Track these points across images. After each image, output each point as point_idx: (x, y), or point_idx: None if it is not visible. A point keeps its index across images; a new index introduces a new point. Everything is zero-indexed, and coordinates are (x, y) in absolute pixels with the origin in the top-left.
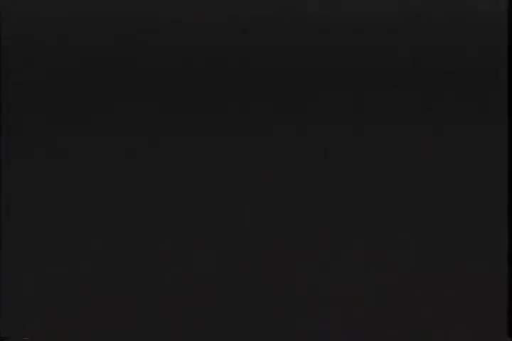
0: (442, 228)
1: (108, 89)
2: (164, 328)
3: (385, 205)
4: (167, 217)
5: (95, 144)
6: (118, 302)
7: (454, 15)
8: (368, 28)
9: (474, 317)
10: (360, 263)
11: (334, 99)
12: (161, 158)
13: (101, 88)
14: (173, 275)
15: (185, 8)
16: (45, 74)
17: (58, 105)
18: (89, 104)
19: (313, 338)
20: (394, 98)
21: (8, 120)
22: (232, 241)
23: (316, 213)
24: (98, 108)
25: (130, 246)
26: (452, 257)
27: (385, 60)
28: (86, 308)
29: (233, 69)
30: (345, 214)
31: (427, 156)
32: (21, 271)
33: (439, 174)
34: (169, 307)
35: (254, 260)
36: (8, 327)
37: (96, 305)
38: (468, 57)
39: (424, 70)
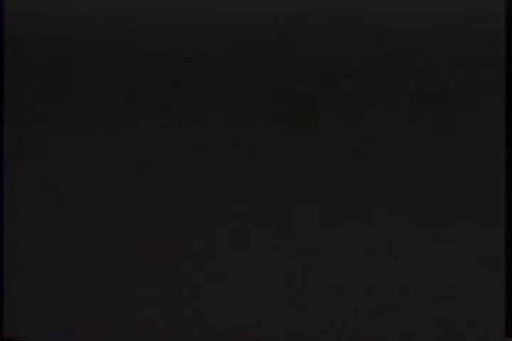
0: (441, 229)
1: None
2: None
3: (387, 206)
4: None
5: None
6: (119, 303)
7: (453, 15)
8: (365, 27)
9: (473, 318)
10: (362, 262)
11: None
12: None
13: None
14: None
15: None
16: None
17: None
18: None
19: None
20: (393, 98)
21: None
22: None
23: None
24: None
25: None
26: (451, 258)
27: (382, 59)
28: (87, 308)
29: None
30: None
31: (426, 156)
32: (24, 272)
33: (437, 174)
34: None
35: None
36: (11, 328)
37: (97, 306)
38: (466, 56)
39: (422, 70)
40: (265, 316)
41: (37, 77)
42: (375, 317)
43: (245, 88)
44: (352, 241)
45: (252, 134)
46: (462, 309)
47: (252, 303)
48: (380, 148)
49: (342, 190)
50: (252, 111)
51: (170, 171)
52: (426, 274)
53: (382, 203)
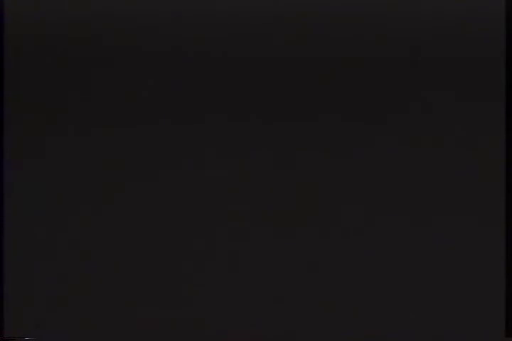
0: (441, 229)
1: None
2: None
3: (387, 206)
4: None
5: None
6: (119, 304)
7: (453, 15)
8: (365, 27)
9: (473, 318)
10: (361, 262)
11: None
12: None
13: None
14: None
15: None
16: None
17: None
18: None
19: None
20: (393, 98)
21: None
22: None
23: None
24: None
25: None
26: (451, 259)
27: (382, 59)
28: (87, 308)
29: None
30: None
31: (426, 155)
32: (24, 272)
33: (437, 174)
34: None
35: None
36: (11, 328)
37: (97, 306)
38: (466, 56)
39: (422, 71)
40: (265, 316)
41: (37, 77)
42: (375, 317)
43: (245, 88)
44: (352, 241)
45: (252, 134)
46: (462, 309)
47: (252, 303)
48: (380, 148)
49: (342, 189)
50: (252, 111)
51: (170, 171)
52: (426, 274)
53: (382, 203)
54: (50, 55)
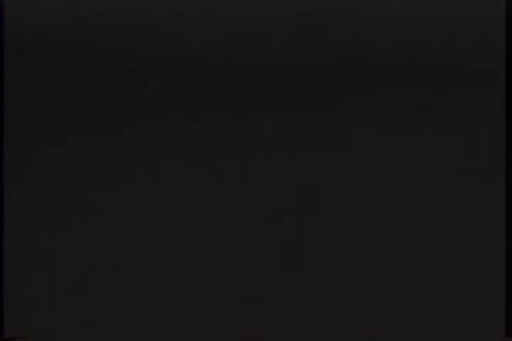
0: (441, 229)
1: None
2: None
3: (387, 206)
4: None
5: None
6: (119, 304)
7: (453, 15)
8: (365, 27)
9: (473, 318)
10: (361, 263)
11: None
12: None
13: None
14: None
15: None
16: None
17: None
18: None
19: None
20: (393, 98)
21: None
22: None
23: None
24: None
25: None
26: (451, 259)
27: (382, 59)
28: (87, 308)
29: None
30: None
31: (426, 156)
32: (24, 272)
33: (437, 174)
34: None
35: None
36: (11, 328)
37: (97, 306)
38: (466, 56)
39: (422, 71)
40: (264, 316)
41: (37, 77)
42: (375, 317)
43: (245, 88)
44: (351, 241)
45: (252, 134)
46: (462, 309)
47: (251, 303)
48: (380, 149)
49: (342, 190)
50: (252, 111)
51: (170, 171)
52: (426, 274)
53: (381, 203)
54: (50, 55)
